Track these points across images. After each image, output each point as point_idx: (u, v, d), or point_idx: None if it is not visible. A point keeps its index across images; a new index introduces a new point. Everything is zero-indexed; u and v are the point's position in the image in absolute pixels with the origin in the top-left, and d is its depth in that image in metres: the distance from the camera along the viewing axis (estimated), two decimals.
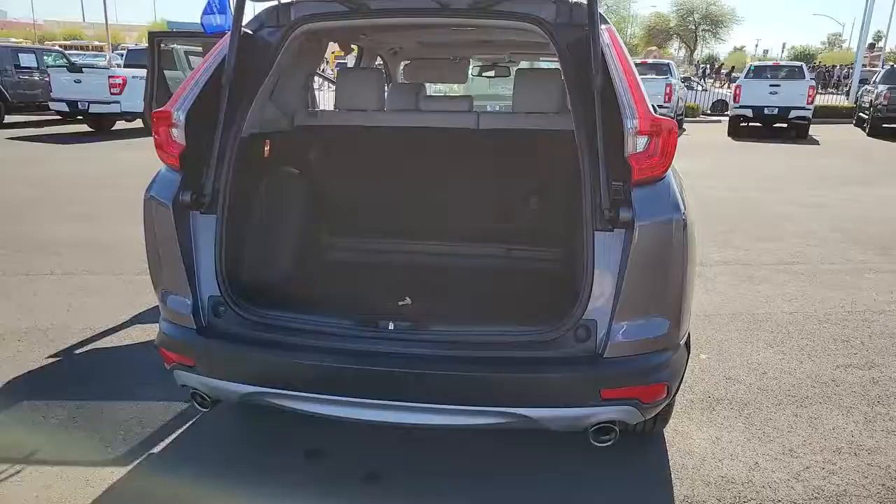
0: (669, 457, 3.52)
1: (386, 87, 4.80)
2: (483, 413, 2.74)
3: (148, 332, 4.97)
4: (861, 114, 22.54)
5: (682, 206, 2.68)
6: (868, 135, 20.54)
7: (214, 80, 3.07)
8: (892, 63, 25.84)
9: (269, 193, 3.63)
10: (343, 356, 2.78)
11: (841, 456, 3.56)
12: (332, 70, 22.02)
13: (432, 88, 6.84)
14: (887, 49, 50.71)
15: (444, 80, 6.06)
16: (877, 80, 21.83)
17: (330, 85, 6.41)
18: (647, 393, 2.75)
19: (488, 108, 5.84)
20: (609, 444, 2.83)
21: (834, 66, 47.80)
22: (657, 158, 2.63)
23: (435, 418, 2.76)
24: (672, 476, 3.36)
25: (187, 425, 3.77)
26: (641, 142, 2.64)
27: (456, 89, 9.61)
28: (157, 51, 5.05)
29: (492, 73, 6.26)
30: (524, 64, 5.80)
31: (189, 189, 2.98)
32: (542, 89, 3.80)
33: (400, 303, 3.41)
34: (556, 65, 4.77)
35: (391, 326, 2.85)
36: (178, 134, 3.00)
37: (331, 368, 2.77)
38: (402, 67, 6.11)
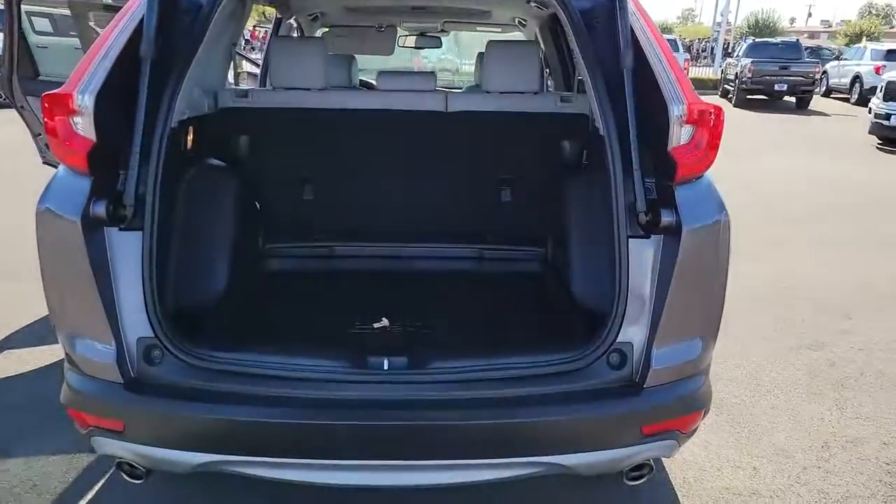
0: (669, 471, 3.25)
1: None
2: (507, 466, 2.28)
3: (25, 360, 4.03)
4: (726, 85, 23.96)
5: (724, 205, 2.33)
6: (734, 105, 21.89)
7: (129, 52, 2.32)
8: (752, 37, 27.55)
9: (197, 195, 2.91)
10: (328, 409, 2.21)
11: (830, 451, 3.46)
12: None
13: (391, 62, 6.08)
14: (736, 24, 54.60)
15: (368, 51, 5.38)
16: (740, 53, 23.24)
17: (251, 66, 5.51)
18: (687, 422, 2.41)
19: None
20: (643, 481, 2.47)
21: (693, 41, 50.84)
22: (703, 151, 2.25)
23: (450, 476, 2.27)
24: (679, 496, 3.10)
25: (101, 484, 3.02)
26: (687, 132, 2.24)
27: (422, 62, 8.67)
28: (17, 11, 4.03)
29: (418, 44, 5.68)
30: (496, 36, 5.23)
31: (104, 198, 2.23)
32: (519, 66, 3.32)
33: (376, 325, 2.85)
34: (505, 37, 4.24)
35: (385, 366, 2.30)
36: (83, 125, 2.22)
37: (312, 427, 2.20)
38: (320, 34, 5.35)
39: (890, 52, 21.67)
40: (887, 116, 12.83)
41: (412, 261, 3.57)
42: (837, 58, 26.73)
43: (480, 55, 4.55)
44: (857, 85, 21.96)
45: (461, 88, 5.83)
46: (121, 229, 2.29)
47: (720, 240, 2.27)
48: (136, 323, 2.30)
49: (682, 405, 2.35)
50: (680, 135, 2.23)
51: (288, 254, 3.57)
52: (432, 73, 3.61)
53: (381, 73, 3.51)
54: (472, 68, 5.12)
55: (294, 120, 3.41)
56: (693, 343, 2.36)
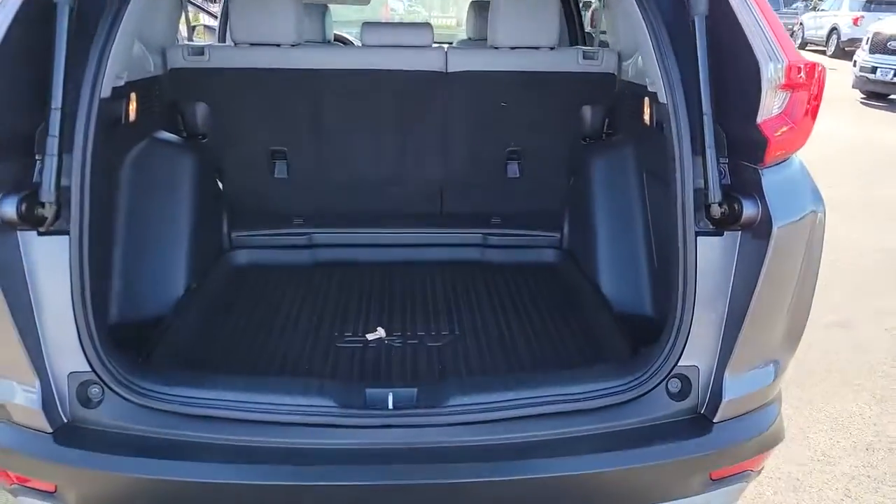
0: None
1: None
2: None
3: None
4: None
5: (820, 193, 1.86)
6: None
7: None
8: None
9: (144, 180, 2.34)
10: (317, 464, 1.72)
11: (875, 454, 3.11)
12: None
13: (353, 15, 5.37)
14: None
15: None
16: None
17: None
18: (759, 459, 1.98)
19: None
20: None
21: None
22: (800, 123, 1.75)
23: None
24: None
25: None
26: (780, 99, 1.74)
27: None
28: None
29: None
30: None
31: (13, 194, 1.67)
32: (534, 15, 2.76)
33: (370, 336, 2.35)
34: None
35: (390, 403, 1.81)
36: None
37: (297, 490, 1.72)
38: None
39: (869, 2, 21.31)
40: (873, 69, 12.47)
41: (405, 249, 3.05)
42: (814, 8, 26.34)
43: (474, 4, 3.96)
44: (835, 37, 21.60)
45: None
46: (40, 233, 1.73)
47: (814, 238, 1.81)
48: (67, 354, 1.78)
49: (759, 443, 1.91)
50: (773, 103, 1.73)
51: (258, 244, 3.01)
52: (428, 26, 3.03)
53: (367, 26, 2.91)
54: (446, 21, 4.50)
55: (261, 82, 2.82)
56: (770, 366, 1.92)
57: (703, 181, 1.82)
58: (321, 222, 3.10)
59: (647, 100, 2.45)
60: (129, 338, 2.13)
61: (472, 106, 2.91)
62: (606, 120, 2.97)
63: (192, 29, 3.77)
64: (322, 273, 2.90)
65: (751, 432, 1.90)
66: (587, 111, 2.97)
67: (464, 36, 4.33)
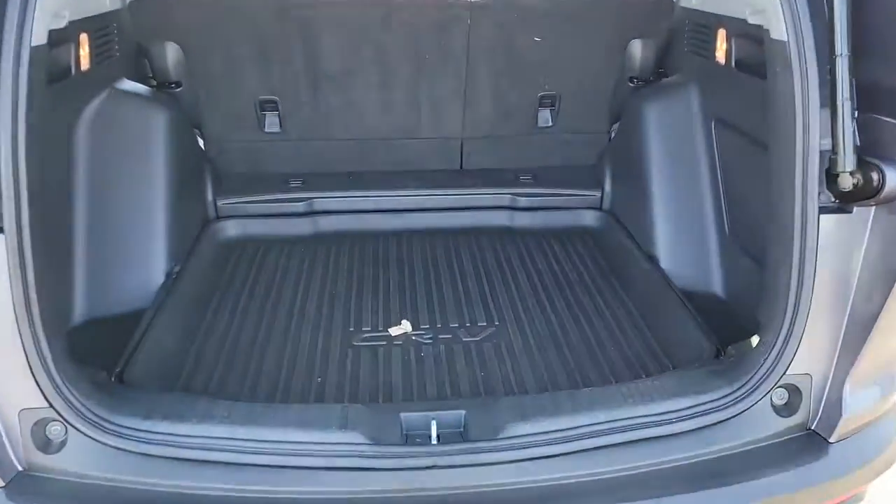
0: None
1: None
2: None
3: None
4: None
5: None
6: None
7: None
8: None
9: (106, 143, 1.91)
10: None
11: None
12: None
13: None
14: None
15: None
16: None
17: None
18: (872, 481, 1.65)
19: None
20: None
21: None
22: None
23: None
24: None
25: None
26: None
27: None
28: None
29: None
30: None
31: None
32: None
33: (393, 332, 1.96)
34: None
35: (433, 434, 1.43)
36: None
37: None
38: None
39: None
40: None
41: (421, 215, 2.63)
42: None
43: None
44: None
45: None
46: None
47: None
48: (14, 387, 1.38)
49: (879, 464, 1.57)
50: None
51: (249, 212, 2.57)
52: None
53: None
54: None
55: (245, 16, 2.32)
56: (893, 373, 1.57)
57: (830, 142, 1.40)
58: (322, 185, 2.66)
59: (722, 32, 2.00)
60: (99, 347, 1.73)
61: (499, 42, 2.42)
62: (660, 57, 2.50)
63: None
64: (326, 246, 2.48)
65: (871, 453, 1.56)
66: (637, 46, 2.49)
67: None
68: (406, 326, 1.97)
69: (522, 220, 2.64)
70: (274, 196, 2.61)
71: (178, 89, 2.44)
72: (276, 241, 2.50)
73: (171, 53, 2.38)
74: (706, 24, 2.13)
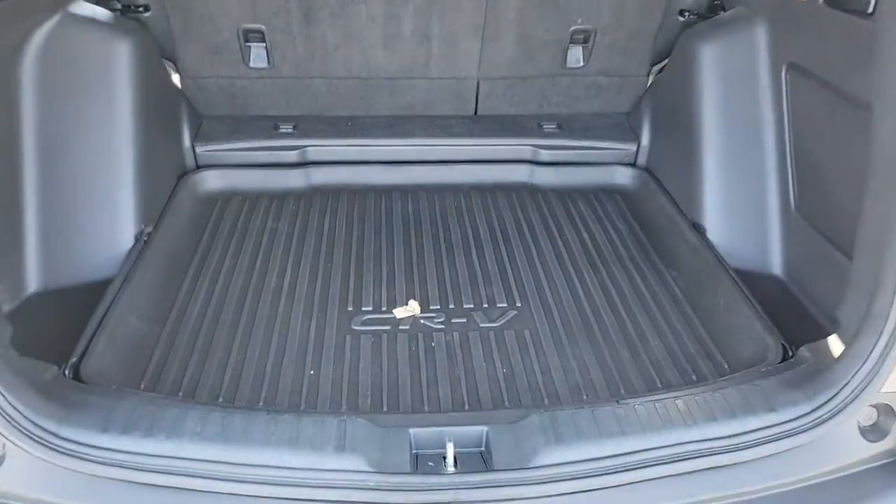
0: None
1: None
2: None
3: None
4: None
5: None
6: None
7: None
8: None
9: (59, 79, 1.60)
10: None
11: None
12: None
13: None
14: None
15: None
16: None
17: None
18: None
19: None
20: None
21: None
22: None
23: None
24: None
25: None
26: None
27: None
28: None
29: None
30: None
31: None
32: None
33: (399, 314, 1.68)
34: None
35: (450, 458, 1.17)
36: None
37: None
38: None
39: None
40: None
41: (429, 169, 2.30)
42: None
43: None
44: None
45: None
46: None
47: None
48: None
49: None
50: None
51: (233, 161, 2.24)
52: None
53: None
54: None
55: None
56: None
57: None
58: (316, 130, 2.31)
59: None
60: (52, 329, 1.45)
61: None
62: None
63: None
64: (321, 203, 2.16)
65: None
66: None
67: None
68: (413, 308, 1.68)
69: (545, 176, 2.31)
70: (261, 143, 2.27)
71: (146, 14, 2.07)
72: (264, 195, 2.18)
73: None
74: None
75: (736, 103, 1.89)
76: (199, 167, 2.24)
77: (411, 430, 1.22)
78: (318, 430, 1.19)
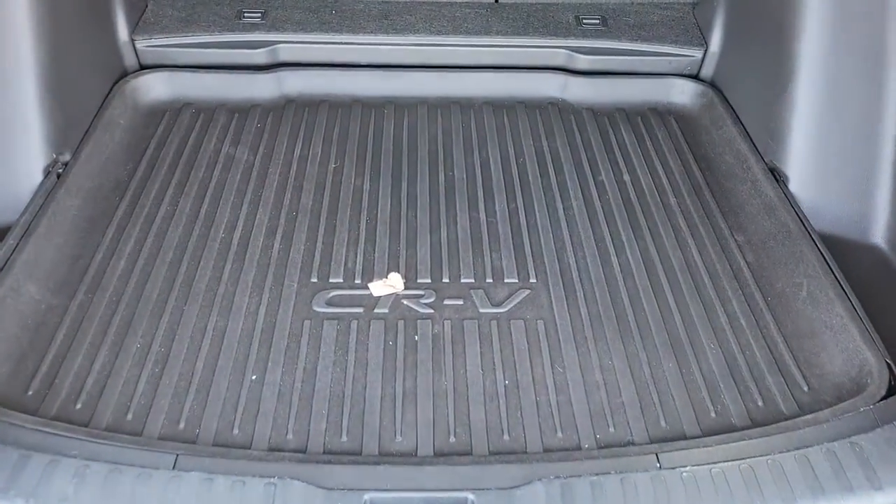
0: None
1: None
2: None
3: None
4: None
5: None
6: None
7: None
8: None
9: None
10: None
11: None
12: None
13: None
14: None
15: None
16: None
17: None
18: None
19: None
20: None
21: None
22: None
23: None
24: None
25: None
26: None
27: None
28: None
29: None
30: None
31: None
32: None
33: (376, 291, 1.29)
34: None
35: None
36: None
37: None
38: None
39: None
40: None
41: (434, 76, 1.81)
42: None
43: None
44: None
45: None
46: None
47: None
48: None
49: None
50: None
51: (183, 60, 1.77)
52: None
53: None
54: None
55: None
56: None
57: None
58: (291, 20, 1.82)
59: None
60: None
61: None
62: None
63: None
64: (294, 119, 1.72)
65: None
66: None
67: None
68: (395, 282, 1.29)
69: (580, 89, 1.80)
70: (221, 37, 1.79)
71: None
72: (223, 106, 1.74)
73: None
74: None
75: (853, 9, 1.36)
76: (142, 67, 1.78)
77: (367, 497, 0.88)
78: (234, 500, 0.86)
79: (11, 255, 1.23)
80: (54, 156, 1.42)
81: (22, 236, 1.27)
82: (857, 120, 1.39)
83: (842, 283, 1.23)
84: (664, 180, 1.57)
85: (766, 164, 1.49)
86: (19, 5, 1.38)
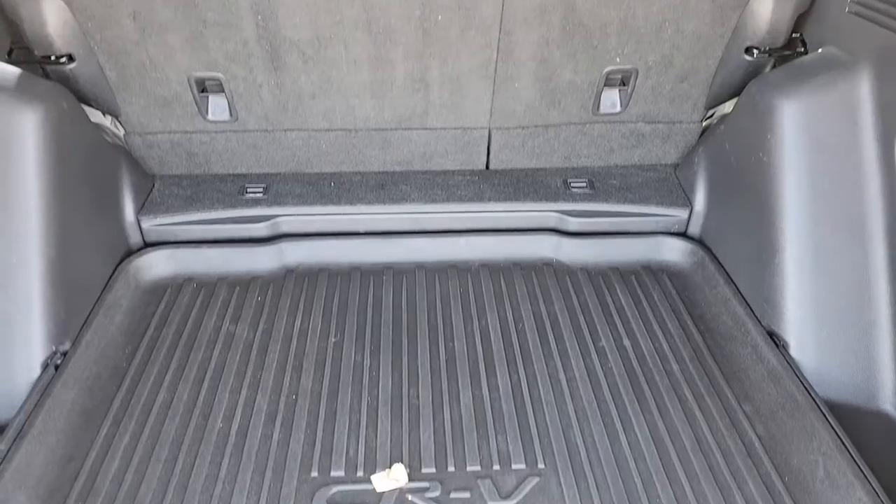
0: None
1: None
2: None
3: None
4: None
5: None
6: None
7: None
8: None
9: None
10: None
11: None
12: None
13: None
14: None
15: None
16: None
17: None
18: None
19: None
20: None
21: None
22: None
23: None
24: None
25: None
26: None
27: None
28: None
29: None
30: None
31: None
32: None
33: (379, 486, 1.25)
34: None
35: None
36: None
37: None
38: None
39: None
40: None
41: (431, 241, 1.86)
42: None
43: None
44: None
45: None
46: None
47: None
48: None
49: None
50: None
51: (186, 236, 1.82)
52: None
53: None
54: None
55: None
56: None
57: None
58: (292, 194, 1.89)
59: None
60: None
61: None
62: (798, 15, 1.64)
63: None
64: (294, 291, 1.74)
65: None
66: (765, 2, 1.62)
67: None
68: (399, 475, 1.25)
69: (573, 249, 1.85)
70: (224, 213, 1.85)
71: (72, 65, 1.65)
72: (225, 280, 1.76)
73: (53, 16, 1.57)
74: None
75: (830, 180, 1.43)
76: (146, 245, 1.83)
77: None
78: None
79: (2, 462, 1.20)
80: (54, 348, 1.42)
81: (14, 439, 1.24)
82: (849, 285, 1.41)
83: (859, 463, 1.19)
84: (665, 345, 1.57)
85: (763, 327, 1.50)
86: (31, 198, 1.43)
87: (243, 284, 1.76)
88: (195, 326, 1.62)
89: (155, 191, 1.89)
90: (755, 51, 1.69)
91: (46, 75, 1.71)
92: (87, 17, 1.58)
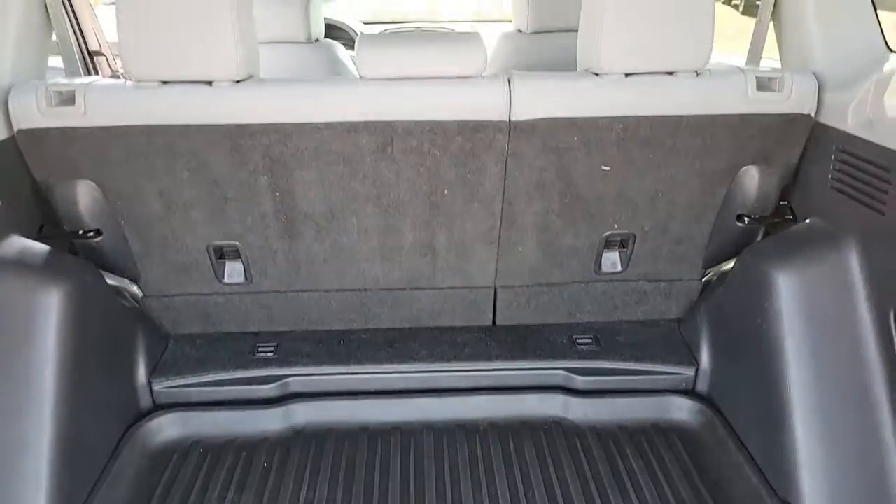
0: None
1: None
2: None
3: None
4: None
5: None
6: None
7: None
8: None
9: None
10: None
11: None
12: None
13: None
14: None
15: None
16: None
17: None
18: None
19: None
20: None
21: None
22: None
23: None
24: None
25: None
26: None
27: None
28: None
29: None
30: None
31: None
32: (671, 19, 1.53)
33: None
34: None
35: None
36: None
37: None
38: None
39: None
40: None
41: (439, 401, 1.87)
42: None
43: None
44: None
45: None
46: None
47: None
48: None
49: None
50: None
51: (197, 398, 1.85)
52: (475, 38, 1.71)
53: (365, 43, 1.62)
54: None
55: (185, 142, 1.62)
56: None
57: None
58: (302, 353, 1.93)
59: None
60: None
61: (549, 172, 1.69)
62: (785, 186, 1.74)
63: (89, 56, 2.39)
64: (301, 454, 1.73)
65: None
66: (752, 175, 1.73)
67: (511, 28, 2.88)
68: None
69: (581, 408, 1.85)
70: (235, 374, 1.88)
71: (98, 238, 1.75)
72: (232, 443, 1.76)
73: (85, 195, 1.69)
74: (871, 161, 1.38)
75: (831, 349, 1.46)
76: (156, 406, 1.84)
77: None
78: None
79: None
80: None
81: None
82: (861, 457, 1.40)
83: None
84: None
85: (779, 499, 1.47)
86: (48, 375, 1.47)
87: (250, 447, 1.75)
88: (199, 497, 1.60)
89: (168, 351, 1.93)
90: (746, 218, 1.78)
91: (73, 245, 1.81)
92: (118, 196, 1.70)
